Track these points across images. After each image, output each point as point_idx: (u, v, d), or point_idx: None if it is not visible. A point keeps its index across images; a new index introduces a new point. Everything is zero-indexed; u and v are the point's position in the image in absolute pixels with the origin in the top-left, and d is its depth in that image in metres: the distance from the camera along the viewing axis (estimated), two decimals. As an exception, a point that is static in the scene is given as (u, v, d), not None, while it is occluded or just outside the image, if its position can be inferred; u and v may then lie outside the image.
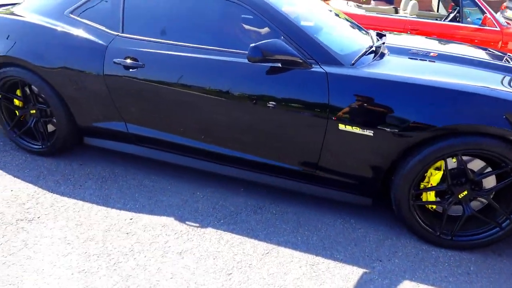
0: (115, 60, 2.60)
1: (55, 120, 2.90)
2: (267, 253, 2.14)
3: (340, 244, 2.23)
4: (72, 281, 1.89)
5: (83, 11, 2.80)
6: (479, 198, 2.30)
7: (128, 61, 2.56)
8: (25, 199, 2.45)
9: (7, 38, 2.85)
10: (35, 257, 2.02)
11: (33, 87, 2.87)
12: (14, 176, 2.66)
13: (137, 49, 2.59)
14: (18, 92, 2.96)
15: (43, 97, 2.85)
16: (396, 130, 2.16)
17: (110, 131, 2.84)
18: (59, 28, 2.75)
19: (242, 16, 2.82)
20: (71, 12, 2.81)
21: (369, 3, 6.74)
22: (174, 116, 2.60)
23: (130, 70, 2.57)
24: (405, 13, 5.91)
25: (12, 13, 2.99)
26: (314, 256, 2.13)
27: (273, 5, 2.49)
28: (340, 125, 2.24)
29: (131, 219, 2.34)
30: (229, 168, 2.66)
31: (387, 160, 2.26)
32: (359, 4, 6.29)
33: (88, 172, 2.78)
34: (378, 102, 2.20)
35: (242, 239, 2.22)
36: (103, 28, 2.72)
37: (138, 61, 2.56)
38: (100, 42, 2.66)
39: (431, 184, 2.25)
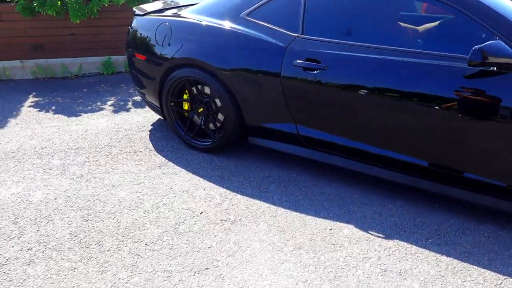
0: (295, 62, 2.55)
1: (219, 118, 3.01)
2: (500, 284, 1.91)
3: None
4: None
5: (259, 13, 2.80)
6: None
7: (309, 63, 2.50)
8: (220, 199, 2.49)
9: (186, 41, 2.98)
10: (253, 261, 2.01)
11: (203, 87, 2.99)
12: (200, 176, 2.73)
13: (320, 50, 2.51)
14: (185, 96, 3.11)
15: (211, 97, 2.96)
16: None
17: (278, 132, 2.80)
18: (237, 31, 2.79)
19: (441, 15, 2.62)
20: (248, 15, 2.84)
21: None
22: (357, 121, 2.46)
23: (310, 72, 2.50)
24: None
25: (186, 17, 3.10)
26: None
27: (486, 3, 2.25)
28: None
29: (330, 229, 2.25)
30: (420, 181, 2.46)
31: None
32: None
33: (267, 175, 2.77)
34: None
35: (463, 264, 1.99)
36: (282, 29, 2.68)
37: (320, 63, 2.48)
38: (279, 43, 2.63)
39: None
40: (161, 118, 3.33)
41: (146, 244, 2.10)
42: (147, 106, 3.71)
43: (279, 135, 2.83)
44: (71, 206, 2.39)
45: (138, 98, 4.22)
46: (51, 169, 2.79)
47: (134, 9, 3.47)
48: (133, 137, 3.30)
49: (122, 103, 4.09)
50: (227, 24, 2.86)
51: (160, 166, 2.85)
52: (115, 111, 3.84)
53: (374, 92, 2.35)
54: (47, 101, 4.06)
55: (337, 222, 2.30)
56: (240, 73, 2.74)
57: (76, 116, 3.70)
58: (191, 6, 3.27)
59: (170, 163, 2.89)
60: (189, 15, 3.10)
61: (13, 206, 2.37)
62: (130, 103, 4.10)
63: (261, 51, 2.72)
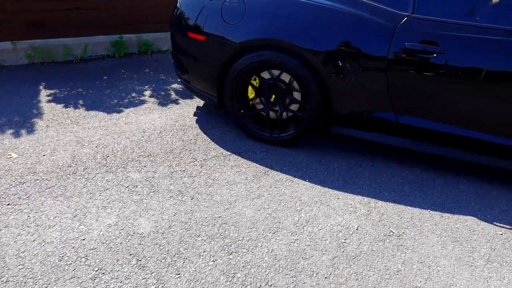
0: (407, 44, 2.24)
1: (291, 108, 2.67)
2: None
3: None
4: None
5: None
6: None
7: (425, 45, 2.21)
8: (364, 209, 2.12)
9: (265, 19, 2.50)
10: (457, 283, 1.71)
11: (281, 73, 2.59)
12: (320, 182, 2.34)
13: (438, 32, 2.22)
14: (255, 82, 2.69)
15: (288, 84, 2.60)
16: None
17: (372, 121, 2.51)
18: (333, 7, 2.38)
19: None
20: None
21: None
22: (478, 109, 2.25)
23: (425, 55, 2.22)
24: None
25: None
26: None
27: None
28: None
29: (501, 233, 2.00)
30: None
31: None
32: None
33: (390, 174, 2.45)
34: None
35: None
36: (388, 7, 2.32)
37: (438, 46, 2.20)
38: (387, 23, 2.29)
39: None
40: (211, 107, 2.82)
41: (325, 278, 1.71)
42: (194, 95, 3.17)
43: (372, 124, 2.52)
44: (198, 236, 1.89)
45: (176, 85, 3.63)
46: (136, 186, 2.22)
47: None
48: (206, 136, 2.77)
49: (162, 92, 3.47)
50: (322, 1, 2.42)
51: (266, 173, 2.40)
52: (162, 104, 3.24)
53: (504, 78, 2.14)
54: (67, 93, 3.30)
55: (500, 224, 2.10)
56: (335, 57, 2.37)
57: (117, 112, 3.04)
58: None
59: (274, 168, 2.45)
60: None
61: (122, 243, 1.81)
62: (171, 92, 3.50)
63: (364, 31, 2.35)
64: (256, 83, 2.70)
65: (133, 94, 3.38)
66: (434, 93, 2.30)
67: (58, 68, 3.83)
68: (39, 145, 2.53)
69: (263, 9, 2.54)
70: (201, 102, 3.28)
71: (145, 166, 2.38)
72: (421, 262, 1.81)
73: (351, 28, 2.38)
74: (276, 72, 2.62)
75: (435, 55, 2.21)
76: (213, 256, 1.77)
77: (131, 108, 3.12)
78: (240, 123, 2.79)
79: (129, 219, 1.96)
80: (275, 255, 1.80)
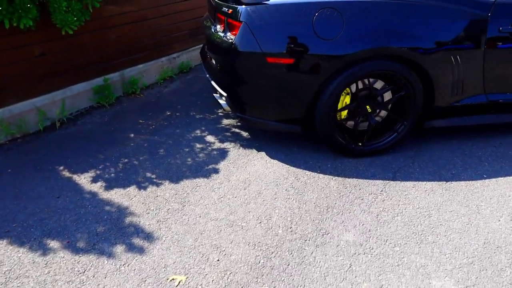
0: (502, 28, 2.38)
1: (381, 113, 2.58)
2: None
3: None
4: None
5: None
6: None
7: None
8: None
9: (369, 28, 2.27)
10: None
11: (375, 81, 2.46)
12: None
13: None
14: (347, 99, 2.46)
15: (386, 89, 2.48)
16: None
17: (467, 106, 2.58)
18: (428, 3, 2.30)
19: None
20: None
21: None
22: None
23: None
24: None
25: None
26: None
27: None
28: None
29: None
30: None
31: None
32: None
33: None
34: None
35: None
36: None
37: None
38: (480, 12, 2.36)
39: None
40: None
41: None
42: (264, 129, 2.66)
43: (466, 109, 2.59)
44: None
45: (229, 120, 2.95)
46: (366, 254, 1.73)
47: None
48: (352, 186, 2.34)
49: (227, 134, 2.77)
50: None
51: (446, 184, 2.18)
52: (250, 147, 2.59)
53: None
54: (112, 174, 2.32)
55: None
56: (439, 52, 2.34)
57: (207, 173, 2.32)
58: None
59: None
60: None
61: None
62: (235, 130, 2.83)
63: (461, 23, 2.36)
64: (345, 101, 2.44)
65: (198, 146, 2.63)
66: None
67: (45, 143, 2.67)
68: (183, 255, 1.74)
69: (363, 18, 2.26)
70: (290, 139, 2.73)
71: (336, 228, 1.89)
72: None
73: (450, 22, 2.34)
74: (380, 84, 2.45)
75: None
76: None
77: (225, 162, 2.41)
78: (336, 143, 2.47)
79: None
80: None
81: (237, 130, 2.86)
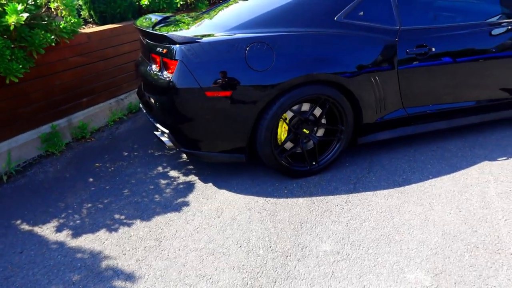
0: (408, 50, 2.73)
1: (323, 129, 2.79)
2: None
3: None
4: None
5: (353, 15, 2.69)
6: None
7: (420, 48, 2.73)
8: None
9: (296, 57, 2.48)
10: None
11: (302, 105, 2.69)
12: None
13: (424, 36, 2.78)
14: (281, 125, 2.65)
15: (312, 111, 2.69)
16: None
17: (390, 121, 2.88)
18: (345, 34, 2.61)
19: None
20: (344, 17, 2.68)
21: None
22: (460, 86, 2.91)
23: (421, 56, 2.74)
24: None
25: (276, 32, 2.52)
26: None
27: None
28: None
29: None
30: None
31: None
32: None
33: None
34: None
35: None
36: (383, 25, 2.73)
37: (427, 46, 2.76)
38: (389, 38, 2.70)
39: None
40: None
41: None
42: (208, 162, 2.68)
43: (390, 124, 2.88)
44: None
45: (195, 165, 2.82)
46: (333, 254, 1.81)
47: (168, 35, 2.42)
48: (320, 201, 2.48)
49: (198, 170, 2.79)
50: (329, 30, 2.60)
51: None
52: (215, 177, 2.64)
53: (475, 59, 2.87)
54: (80, 222, 2.21)
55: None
56: (361, 74, 2.63)
57: (177, 207, 2.30)
58: (244, 20, 2.58)
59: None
60: (266, 31, 2.49)
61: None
62: (206, 165, 2.85)
63: (376, 48, 2.69)
64: (284, 126, 2.62)
65: (163, 182, 2.60)
66: (431, 83, 2.81)
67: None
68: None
69: (292, 49, 2.47)
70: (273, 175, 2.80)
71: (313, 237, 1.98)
72: None
73: (367, 48, 2.64)
74: (306, 106, 2.63)
75: (425, 55, 2.72)
76: None
77: (187, 197, 2.42)
78: (281, 166, 2.60)
79: None
80: None
81: (199, 163, 2.90)
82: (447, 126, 3.03)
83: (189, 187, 2.57)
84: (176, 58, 2.36)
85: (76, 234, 2.13)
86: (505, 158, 2.77)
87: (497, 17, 3.01)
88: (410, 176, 2.60)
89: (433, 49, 2.71)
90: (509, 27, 2.92)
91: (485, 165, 2.69)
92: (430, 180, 2.55)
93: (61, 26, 3.01)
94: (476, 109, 3.07)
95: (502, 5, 3.00)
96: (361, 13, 2.70)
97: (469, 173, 2.61)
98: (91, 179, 2.72)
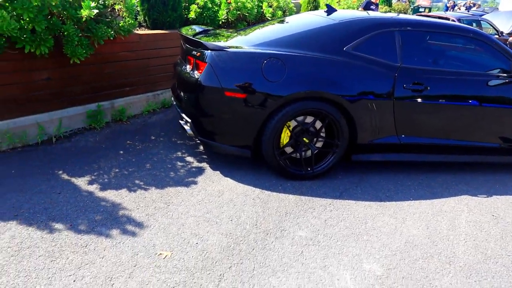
0: (405, 85, 3.10)
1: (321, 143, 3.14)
2: None
3: None
4: None
5: (361, 48, 3.11)
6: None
7: (416, 85, 3.09)
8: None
9: (303, 75, 2.91)
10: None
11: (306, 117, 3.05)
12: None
13: (422, 76, 3.14)
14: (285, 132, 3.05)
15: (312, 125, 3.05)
16: None
17: (383, 145, 3.22)
18: (351, 62, 3.01)
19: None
20: (353, 49, 3.10)
21: None
22: (451, 124, 3.23)
23: (416, 92, 3.10)
24: None
25: (291, 52, 2.97)
26: None
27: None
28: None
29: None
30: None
31: None
32: None
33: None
34: None
35: None
36: (385, 61, 3.12)
37: (423, 85, 3.11)
38: (389, 72, 3.09)
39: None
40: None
41: None
42: (220, 152, 3.13)
43: (382, 147, 3.22)
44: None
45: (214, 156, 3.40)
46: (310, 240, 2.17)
47: (203, 42, 2.91)
48: (307, 200, 2.87)
49: (211, 160, 3.25)
50: (338, 58, 3.01)
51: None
52: (224, 168, 3.08)
53: (463, 102, 3.19)
54: (108, 180, 2.70)
55: None
56: (361, 99, 2.99)
57: (187, 184, 2.74)
58: (268, 39, 3.09)
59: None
60: (283, 50, 2.95)
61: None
62: (219, 157, 3.30)
63: (377, 79, 3.07)
64: (288, 132, 3.01)
65: (179, 164, 3.06)
66: (424, 117, 3.15)
67: (44, 153, 3.01)
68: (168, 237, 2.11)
69: (301, 68, 2.90)
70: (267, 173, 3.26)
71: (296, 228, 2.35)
72: None
73: (369, 77, 3.03)
74: (310, 119, 3.00)
75: (420, 92, 3.08)
76: None
77: (196, 178, 2.86)
78: (279, 166, 2.99)
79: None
80: None
81: (212, 154, 3.35)
82: (438, 159, 3.34)
83: (200, 171, 3.02)
84: (206, 61, 2.86)
85: (103, 189, 2.61)
86: (485, 196, 3.05)
87: (493, 70, 3.36)
88: (393, 195, 2.93)
89: (428, 88, 3.06)
90: (504, 81, 3.25)
91: (464, 198, 2.98)
92: (409, 201, 2.87)
93: (120, 25, 3.62)
94: (468, 149, 3.37)
95: (498, 60, 3.33)
96: (366, 48, 3.09)
97: (447, 202, 2.91)
98: (121, 152, 3.23)
